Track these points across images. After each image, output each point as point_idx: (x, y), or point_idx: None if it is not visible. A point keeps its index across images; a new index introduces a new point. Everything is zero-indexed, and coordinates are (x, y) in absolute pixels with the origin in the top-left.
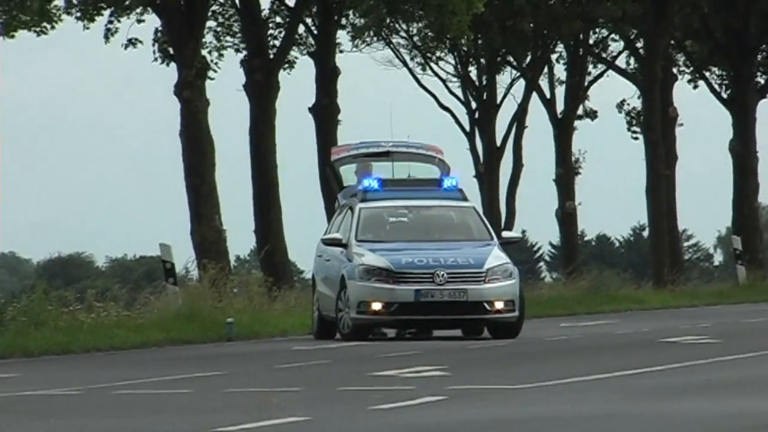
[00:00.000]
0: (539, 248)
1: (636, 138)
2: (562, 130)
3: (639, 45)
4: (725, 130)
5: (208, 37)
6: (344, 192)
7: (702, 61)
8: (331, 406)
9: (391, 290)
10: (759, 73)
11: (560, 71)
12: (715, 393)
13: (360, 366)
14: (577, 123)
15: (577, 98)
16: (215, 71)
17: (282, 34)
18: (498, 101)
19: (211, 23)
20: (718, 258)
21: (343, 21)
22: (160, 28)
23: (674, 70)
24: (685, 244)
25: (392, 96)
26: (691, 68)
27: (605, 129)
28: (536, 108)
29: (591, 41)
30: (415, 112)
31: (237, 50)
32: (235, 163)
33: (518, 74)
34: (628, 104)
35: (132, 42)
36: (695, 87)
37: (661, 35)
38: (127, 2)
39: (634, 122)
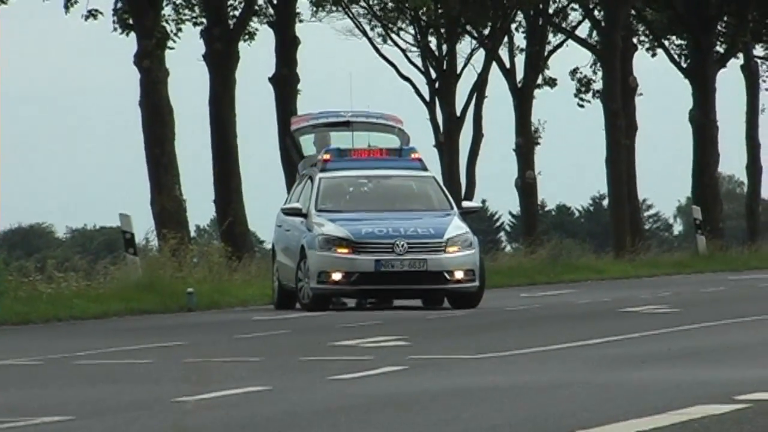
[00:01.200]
0: (499, 218)
1: (582, 106)
2: (522, 100)
3: (599, 14)
4: (685, 100)
5: (168, 10)
6: (304, 161)
7: (662, 31)
8: (291, 375)
9: (351, 260)
10: (718, 43)
11: (520, 40)
12: (674, 362)
13: (320, 336)
14: (536, 92)
15: (536, 68)
16: (175, 41)
17: (242, 4)
18: (458, 71)
19: None
20: (677, 228)
21: None
22: None
23: (634, 39)
24: (645, 213)
25: (352, 66)
26: (650, 37)
27: (565, 99)
28: (496, 78)
29: (551, 10)
30: (375, 82)
31: (195, 23)
32: (195, 133)
33: (478, 44)
34: (581, 72)
35: (92, 13)
36: (654, 55)
37: (621, 5)
38: None
39: (583, 90)
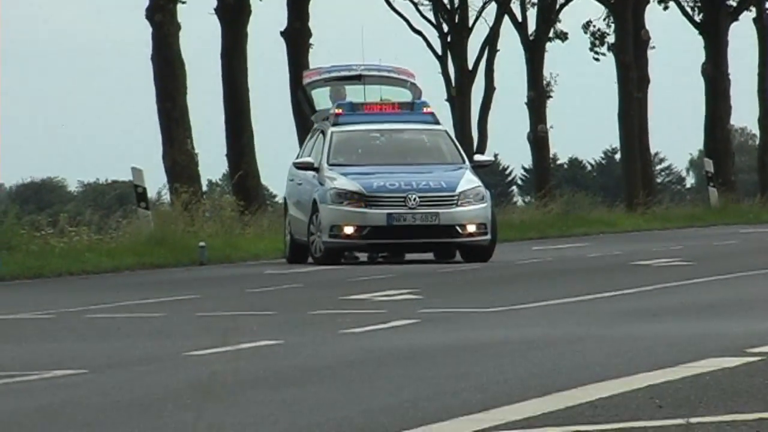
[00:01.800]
0: (511, 172)
1: (597, 59)
2: (534, 54)
3: None
4: (697, 53)
5: None
6: (316, 115)
7: None
8: (303, 329)
9: (363, 214)
10: None
11: None
12: (686, 315)
13: (332, 290)
14: (548, 46)
15: (548, 21)
16: None
17: None
18: (470, 24)
19: None
20: (690, 181)
21: None
22: None
23: None
24: (657, 167)
25: (364, 19)
26: None
27: (577, 52)
28: (508, 31)
29: None
30: (387, 35)
31: None
32: (206, 87)
33: None
34: (594, 25)
35: None
36: (666, 8)
37: None
38: None
39: (597, 43)
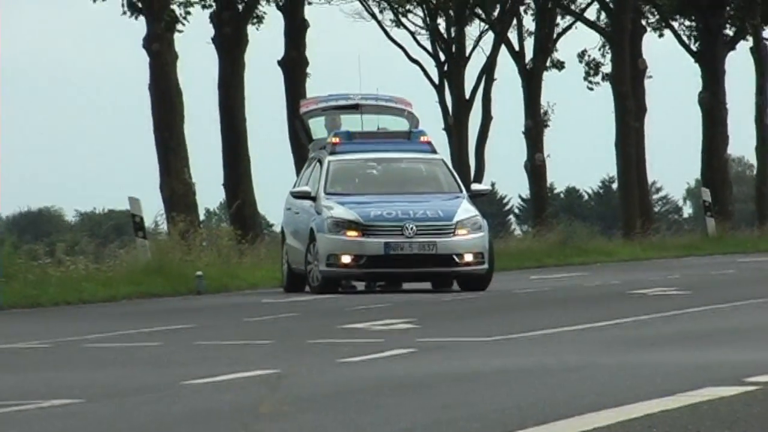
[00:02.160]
0: (509, 201)
1: (591, 89)
2: (531, 83)
3: None
4: (694, 83)
5: None
6: (313, 144)
7: (671, 13)
8: (300, 358)
9: (361, 243)
10: (728, 25)
11: (529, 23)
12: (684, 344)
13: (329, 319)
14: (545, 75)
15: (545, 50)
16: (184, 24)
17: None
18: (467, 54)
19: None
20: (687, 210)
21: None
22: None
23: (642, 21)
24: (655, 196)
25: (361, 49)
26: (657, 16)
27: (574, 81)
28: (505, 60)
29: None
30: (384, 64)
31: (204, 6)
32: (204, 117)
33: (487, 26)
34: (589, 55)
35: None
36: (661, 35)
37: None
38: None
39: (592, 72)
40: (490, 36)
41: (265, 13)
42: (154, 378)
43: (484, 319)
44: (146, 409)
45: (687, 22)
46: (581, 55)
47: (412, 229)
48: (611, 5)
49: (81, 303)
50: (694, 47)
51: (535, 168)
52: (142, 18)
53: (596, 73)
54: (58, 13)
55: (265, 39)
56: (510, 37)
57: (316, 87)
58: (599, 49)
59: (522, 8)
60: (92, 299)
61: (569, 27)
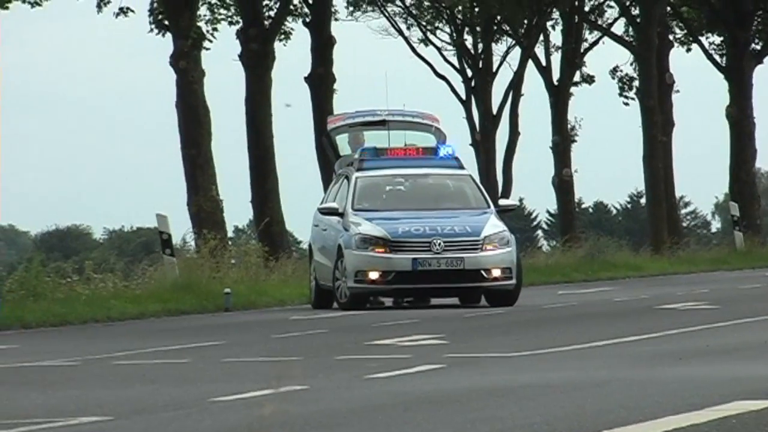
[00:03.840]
0: (536, 216)
1: (627, 104)
2: (558, 98)
3: (634, 11)
4: (722, 97)
5: (203, 10)
6: (340, 161)
7: (698, 28)
8: (328, 375)
9: (388, 259)
10: (755, 39)
11: (556, 38)
12: (712, 359)
13: (357, 335)
14: (573, 89)
15: (572, 65)
16: (211, 41)
17: (277, 4)
18: (494, 69)
19: None
20: (715, 225)
21: None
22: None
23: (670, 36)
24: (683, 211)
25: (388, 65)
26: (685, 31)
27: (601, 96)
28: (532, 76)
29: (587, 8)
30: (411, 80)
31: (231, 23)
32: (231, 134)
33: (514, 42)
34: (621, 70)
35: (123, 11)
36: (688, 50)
37: (657, 1)
38: None
39: (626, 88)
40: (517, 51)
41: (292, 29)
42: (182, 395)
43: (512, 335)
44: (175, 426)
45: (714, 37)
46: (613, 71)
47: (439, 244)
48: (638, 20)
49: (109, 321)
50: (721, 61)
51: (563, 183)
52: (168, 35)
53: (630, 88)
54: (85, 31)
55: (292, 55)
56: (537, 53)
57: (343, 103)
58: (631, 64)
59: (549, 23)
60: (121, 317)
61: (596, 42)
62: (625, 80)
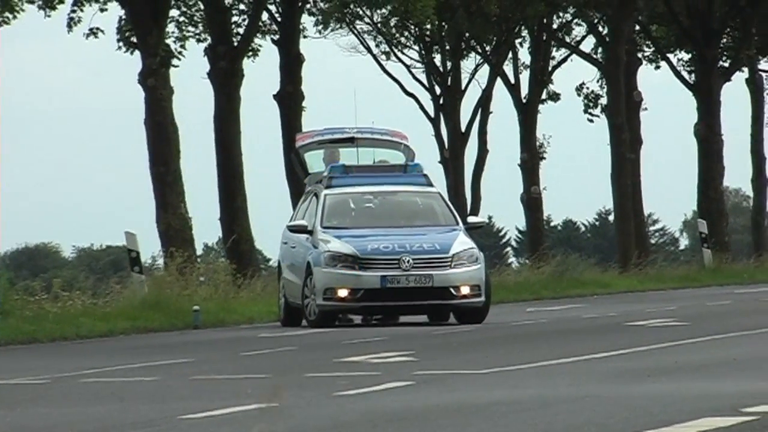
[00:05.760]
0: (505, 233)
1: (591, 121)
2: (527, 115)
3: (602, 29)
4: (690, 114)
5: (171, 27)
6: (310, 178)
7: (666, 45)
8: (297, 392)
9: (357, 276)
10: (723, 57)
11: (524, 56)
12: (681, 375)
13: (326, 352)
14: (541, 107)
15: (541, 83)
16: (179, 59)
17: (246, 22)
18: (462, 87)
19: (173, 12)
20: (683, 242)
21: (308, 5)
22: (123, 17)
23: (639, 54)
24: (651, 228)
25: (357, 82)
26: (653, 49)
27: (570, 114)
28: (501, 93)
29: (555, 25)
30: (380, 98)
31: (199, 40)
32: (199, 151)
33: (482, 60)
34: (587, 87)
35: (93, 32)
36: (657, 68)
37: (625, 19)
38: None
39: (591, 105)
40: (485, 69)
41: (260, 46)
42: (151, 413)
43: (481, 352)
44: None
45: (682, 54)
46: (579, 87)
47: (408, 262)
48: (606, 38)
49: (78, 338)
50: (689, 79)
51: (531, 200)
52: (137, 53)
53: (596, 106)
54: (53, 49)
55: (261, 73)
56: (506, 70)
57: (312, 120)
58: (597, 81)
59: (517, 41)
60: (89, 335)
61: (564, 59)
62: (590, 97)
